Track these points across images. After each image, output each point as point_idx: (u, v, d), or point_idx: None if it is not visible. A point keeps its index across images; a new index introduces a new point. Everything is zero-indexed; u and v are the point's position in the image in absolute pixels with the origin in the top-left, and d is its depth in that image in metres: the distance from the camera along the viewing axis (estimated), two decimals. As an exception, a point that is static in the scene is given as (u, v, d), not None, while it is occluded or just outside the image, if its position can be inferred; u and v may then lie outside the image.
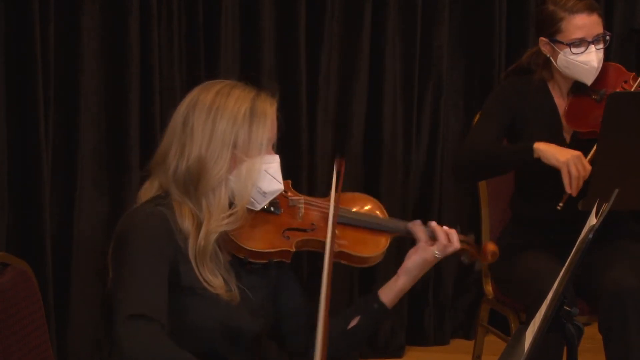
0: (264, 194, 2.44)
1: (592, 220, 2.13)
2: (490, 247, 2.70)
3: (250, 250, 2.44)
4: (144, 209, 2.41)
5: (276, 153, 2.48)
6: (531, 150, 3.22)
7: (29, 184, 3.81)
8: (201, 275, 2.37)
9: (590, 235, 2.06)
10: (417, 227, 2.61)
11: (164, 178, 2.45)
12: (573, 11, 3.31)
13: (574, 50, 3.31)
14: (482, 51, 4.63)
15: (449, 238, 2.60)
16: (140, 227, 2.35)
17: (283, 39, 4.30)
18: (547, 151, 3.21)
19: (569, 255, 2.17)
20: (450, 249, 2.61)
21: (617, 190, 2.25)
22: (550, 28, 3.35)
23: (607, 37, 3.36)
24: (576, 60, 3.32)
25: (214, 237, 2.39)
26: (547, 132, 3.36)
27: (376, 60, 4.44)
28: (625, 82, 3.39)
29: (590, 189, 3.12)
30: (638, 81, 3.36)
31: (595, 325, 3.25)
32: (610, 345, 3.19)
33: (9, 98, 3.78)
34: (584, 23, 3.31)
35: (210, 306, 2.38)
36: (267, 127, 2.43)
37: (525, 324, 2.30)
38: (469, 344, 4.31)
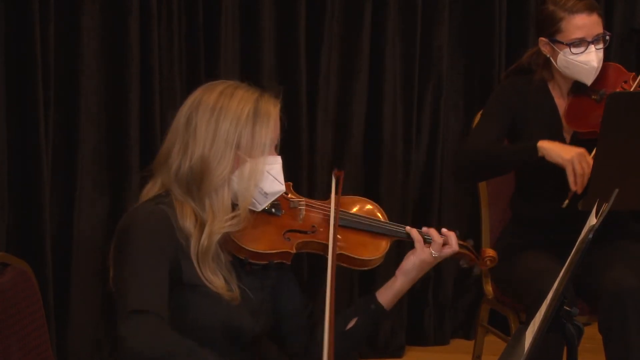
0: (266, 194, 2.45)
1: (592, 220, 2.13)
2: (489, 252, 2.71)
3: (251, 251, 2.44)
4: (145, 207, 2.41)
5: (278, 154, 2.48)
6: (535, 149, 3.22)
7: (29, 184, 3.81)
8: (202, 274, 2.38)
9: (590, 235, 2.06)
10: (413, 231, 2.62)
11: (166, 177, 2.45)
12: (573, 11, 3.31)
13: (574, 50, 3.31)
14: (482, 51, 4.63)
15: (447, 240, 2.61)
16: (142, 225, 2.36)
17: (283, 39, 4.30)
18: (551, 149, 3.21)
19: (569, 255, 2.17)
20: (448, 251, 2.61)
21: (617, 190, 2.25)
22: (550, 28, 3.35)
23: (607, 37, 3.36)
24: (576, 60, 3.32)
25: (217, 238, 2.40)
26: (547, 132, 3.36)
27: (376, 60, 4.44)
28: (625, 82, 3.39)
29: (590, 189, 3.12)
30: (638, 81, 3.36)
31: (595, 325, 3.25)
32: (610, 345, 3.19)
33: (9, 98, 3.78)
34: (584, 23, 3.31)
35: (212, 304, 2.38)
36: (270, 128, 2.43)
37: (525, 324, 2.30)
38: (469, 344, 4.31)
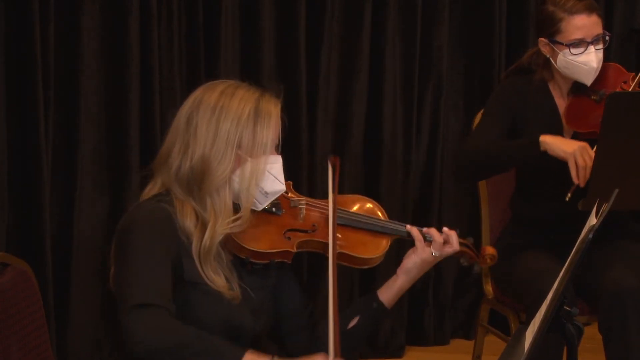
0: (266, 194, 2.45)
1: (592, 220, 2.13)
2: (489, 250, 2.72)
3: (252, 251, 2.45)
4: (147, 205, 2.42)
5: (279, 154, 2.48)
6: (537, 143, 3.22)
7: (29, 184, 3.81)
8: (204, 273, 2.38)
9: (590, 235, 2.06)
10: (414, 229, 2.62)
11: (166, 177, 2.45)
12: (572, 12, 3.31)
13: (574, 50, 3.31)
14: (482, 51, 4.63)
15: (448, 239, 2.61)
16: (144, 222, 2.36)
17: (283, 39, 4.30)
18: (554, 143, 3.21)
19: (569, 255, 2.17)
20: (449, 250, 2.62)
21: (617, 190, 2.25)
22: (550, 28, 3.35)
23: (607, 38, 3.36)
24: (575, 61, 3.32)
25: (219, 238, 2.40)
26: (547, 132, 3.35)
27: (376, 60, 4.44)
28: (625, 82, 3.39)
29: (590, 189, 3.12)
30: (637, 81, 3.36)
31: (595, 325, 3.25)
32: (610, 345, 3.19)
33: (9, 98, 3.78)
34: (584, 24, 3.31)
35: (213, 303, 2.39)
36: (271, 128, 2.43)
37: (525, 324, 2.31)
38: (469, 344, 4.31)
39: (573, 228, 2.53)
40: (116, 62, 3.96)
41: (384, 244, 2.61)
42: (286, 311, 2.58)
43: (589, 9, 3.32)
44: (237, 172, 2.41)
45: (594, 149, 3.18)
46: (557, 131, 3.39)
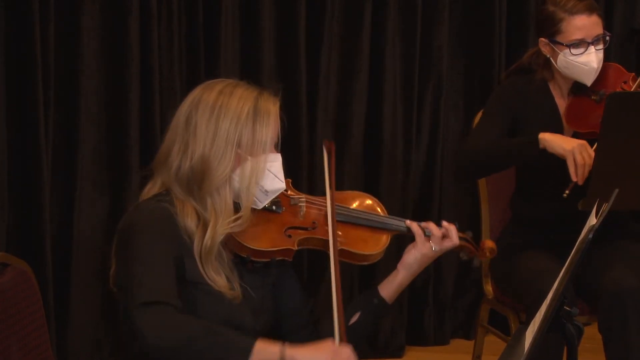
0: (267, 192, 2.45)
1: (592, 220, 2.13)
2: (488, 243, 2.74)
3: (253, 250, 2.45)
4: (148, 205, 2.42)
5: (278, 152, 2.49)
6: (536, 141, 3.22)
7: (29, 184, 3.81)
8: (205, 273, 2.38)
9: (590, 235, 2.06)
10: (413, 224, 2.63)
11: (166, 177, 2.45)
12: (573, 12, 3.31)
13: (574, 51, 3.31)
14: (482, 51, 4.63)
15: (447, 233, 2.62)
16: (146, 221, 2.36)
17: (283, 39, 4.30)
18: (553, 141, 3.21)
19: (569, 255, 2.18)
20: (448, 244, 2.63)
21: (617, 190, 2.25)
22: (550, 29, 3.35)
23: (607, 38, 3.36)
24: (576, 61, 3.32)
25: (220, 238, 2.40)
26: (547, 131, 3.35)
27: (376, 60, 4.44)
28: (625, 82, 3.39)
29: (590, 189, 3.12)
30: (638, 81, 3.36)
31: (595, 325, 3.25)
32: (610, 345, 3.19)
33: (9, 98, 3.78)
34: (584, 24, 3.31)
35: (214, 303, 2.39)
36: (270, 126, 2.44)
37: (525, 324, 2.31)
38: (469, 344, 4.31)
39: (573, 228, 2.53)
40: (116, 62, 3.96)
41: (384, 239, 2.62)
42: (286, 310, 2.58)
43: (590, 10, 3.32)
44: (237, 171, 2.42)
45: (594, 148, 3.18)
46: (557, 131, 3.38)
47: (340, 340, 2.32)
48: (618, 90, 3.34)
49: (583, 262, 2.10)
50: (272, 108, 2.45)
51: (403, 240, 2.71)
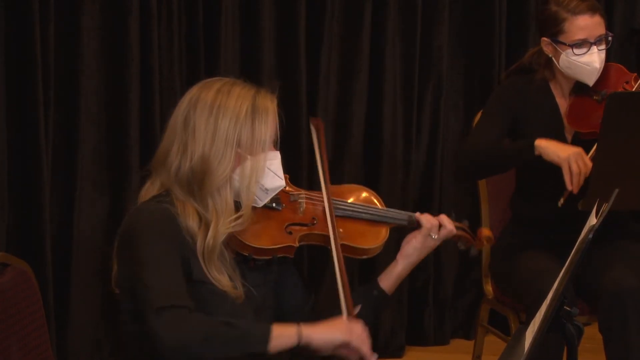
0: (267, 190, 2.46)
1: (592, 220, 2.13)
2: (485, 232, 2.77)
3: (255, 248, 2.45)
4: (149, 207, 2.41)
5: (277, 149, 2.49)
6: (532, 147, 3.22)
7: (29, 184, 3.81)
8: (209, 273, 2.39)
9: (590, 235, 2.06)
10: (423, 217, 2.66)
11: (165, 177, 2.45)
12: (575, 12, 3.31)
13: (576, 51, 3.31)
14: (482, 51, 4.63)
15: (441, 221, 2.65)
16: (149, 222, 2.36)
17: (283, 39, 4.30)
18: (548, 148, 3.21)
19: (569, 255, 2.17)
20: (445, 232, 2.65)
21: (617, 190, 2.25)
22: (553, 28, 3.35)
23: (610, 38, 3.36)
24: (578, 61, 3.32)
25: (222, 238, 2.41)
26: (548, 132, 3.36)
27: (376, 60, 4.44)
28: (627, 82, 3.39)
29: (590, 189, 3.12)
30: (639, 82, 3.36)
31: (595, 325, 3.25)
32: (610, 345, 3.19)
33: (9, 98, 3.78)
34: (587, 24, 3.31)
35: (218, 302, 2.39)
36: (269, 124, 2.44)
37: (525, 324, 2.30)
38: (469, 344, 4.31)
39: (573, 228, 2.53)
40: (116, 62, 3.96)
41: (383, 233, 2.63)
42: (288, 307, 2.59)
43: (592, 10, 3.32)
44: (237, 170, 2.41)
45: (594, 148, 3.18)
46: (558, 131, 3.39)
47: (349, 314, 2.33)
48: (620, 90, 3.34)
49: (583, 262, 2.10)
50: (270, 106, 2.45)
51: (403, 232, 2.72)
